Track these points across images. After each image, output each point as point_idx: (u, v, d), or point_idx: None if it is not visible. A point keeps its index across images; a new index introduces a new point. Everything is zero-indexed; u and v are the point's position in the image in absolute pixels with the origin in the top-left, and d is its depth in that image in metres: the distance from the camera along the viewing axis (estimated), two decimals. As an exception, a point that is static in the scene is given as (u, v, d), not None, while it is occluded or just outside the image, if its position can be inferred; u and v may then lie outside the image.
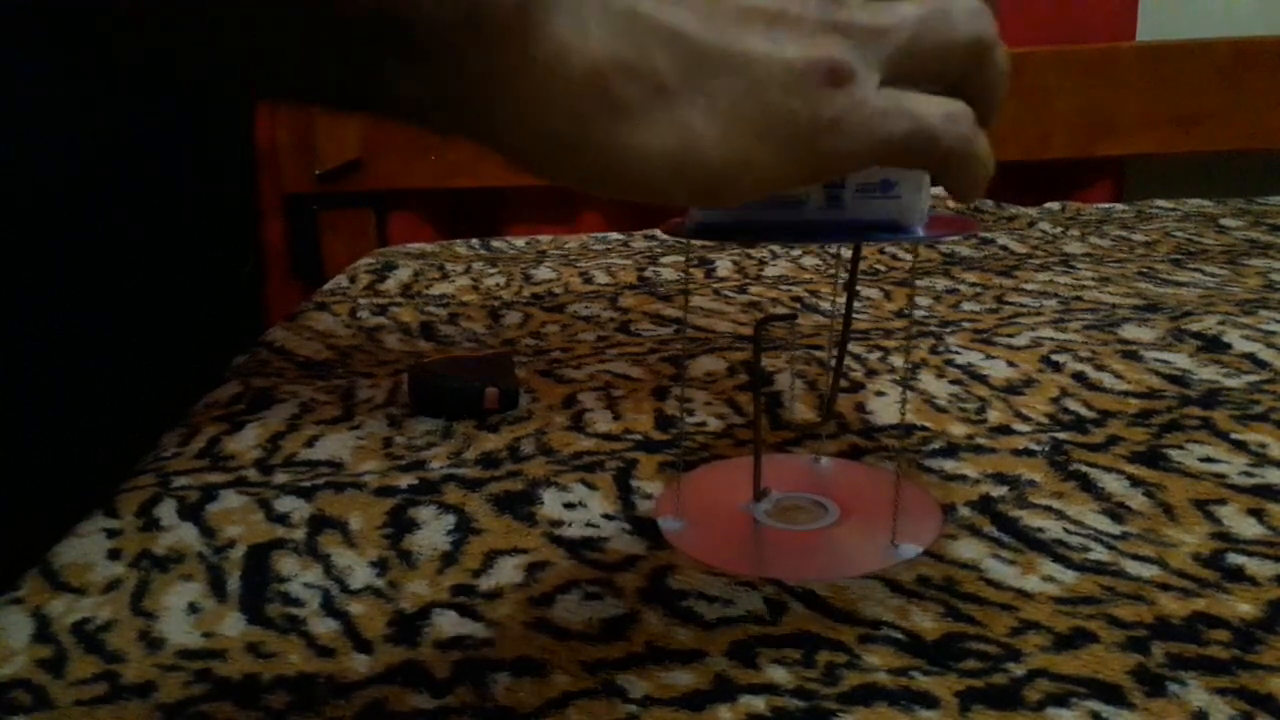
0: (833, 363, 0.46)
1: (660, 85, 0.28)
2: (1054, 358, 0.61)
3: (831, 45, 0.29)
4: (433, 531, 0.44)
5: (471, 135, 0.31)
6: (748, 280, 0.85)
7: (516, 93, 0.28)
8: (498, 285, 0.86)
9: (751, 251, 0.94)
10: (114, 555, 0.43)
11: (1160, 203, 1.12)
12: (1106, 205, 1.14)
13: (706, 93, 0.28)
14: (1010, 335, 0.66)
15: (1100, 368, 0.60)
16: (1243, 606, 0.37)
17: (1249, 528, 0.42)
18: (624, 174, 0.29)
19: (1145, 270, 0.82)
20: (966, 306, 0.74)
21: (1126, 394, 0.56)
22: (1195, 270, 0.82)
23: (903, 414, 0.43)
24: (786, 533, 0.44)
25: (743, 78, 0.28)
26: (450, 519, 0.45)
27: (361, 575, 0.41)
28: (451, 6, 0.26)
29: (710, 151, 0.28)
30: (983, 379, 0.59)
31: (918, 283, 0.81)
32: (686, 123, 0.28)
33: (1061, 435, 0.51)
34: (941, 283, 0.81)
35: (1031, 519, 0.44)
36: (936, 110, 0.30)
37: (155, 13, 0.26)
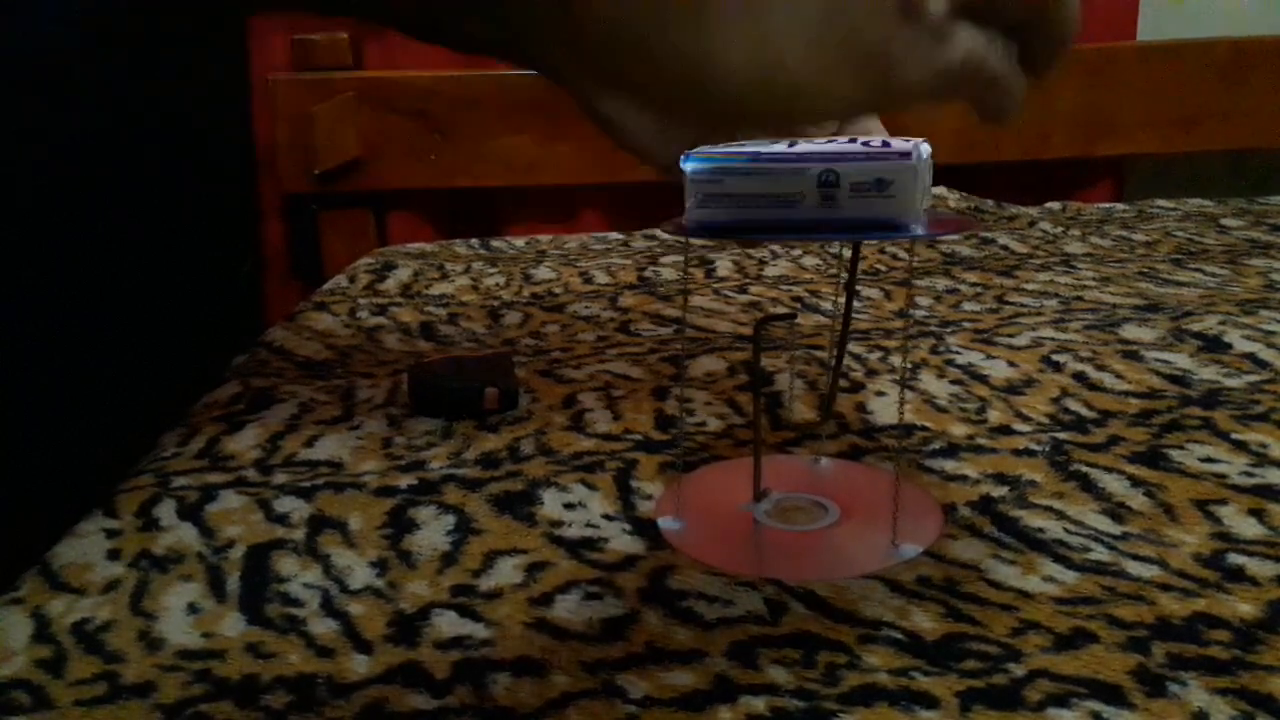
0: (833, 362, 0.46)
1: None
2: (1054, 358, 0.61)
3: None
4: (432, 532, 0.44)
5: (553, 47, 0.30)
6: (748, 280, 0.85)
7: None
8: (497, 285, 0.86)
9: (752, 251, 0.93)
10: (113, 555, 0.43)
11: (1161, 202, 1.12)
12: (1107, 205, 1.14)
13: (794, 9, 0.28)
14: (1011, 335, 0.66)
15: (1101, 368, 0.60)
16: (1243, 607, 0.37)
17: (1250, 528, 0.42)
18: (708, 82, 0.28)
19: (1146, 270, 0.82)
20: (967, 306, 0.74)
21: (1127, 394, 0.56)
22: (1196, 270, 0.82)
23: (900, 415, 0.43)
24: (786, 533, 0.44)
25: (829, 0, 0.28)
26: (450, 519, 0.45)
27: (361, 575, 0.41)
28: None
29: (794, 66, 0.28)
30: (983, 379, 0.59)
31: (918, 282, 0.81)
32: (773, 36, 0.28)
33: (1062, 435, 0.51)
34: (942, 282, 0.81)
35: (1032, 519, 0.44)
36: (980, 44, 0.30)
37: None
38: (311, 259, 1.19)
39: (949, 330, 0.68)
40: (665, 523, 0.44)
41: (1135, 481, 0.46)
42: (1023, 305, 0.73)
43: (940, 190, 1.11)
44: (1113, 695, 0.33)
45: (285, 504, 0.47)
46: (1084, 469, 0.48)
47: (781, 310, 0.75)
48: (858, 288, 0.79)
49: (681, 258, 0.94)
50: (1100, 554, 0.41)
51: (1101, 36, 1.22)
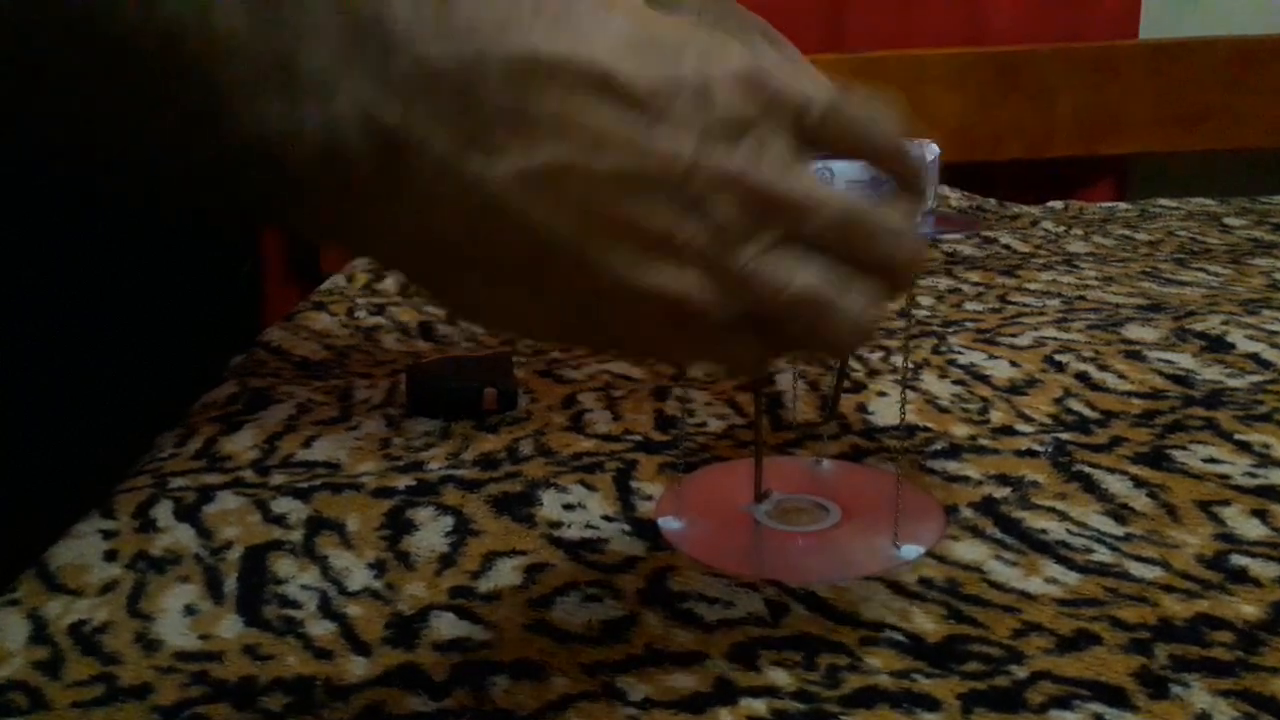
0: (835, 363, 0.46)
1: (502, 272, 0.28)
2: (1057, 358, 0.61)
3: (690, 281, 0.28)
4: (431, 533, 0.44)
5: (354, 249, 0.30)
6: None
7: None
8: (498, 285, 0.86)
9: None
10: (110, 556, 0.43)
11: (1164, 201, 1.12)
12: (1110, 204, 1.14)
13: (545, 287, 0.28)
14: (1013, 335, 0.66)
15: (1103, 368, 0.59)
16: (1246, 608, 0.37)
17: (1253, 529, 0.42)
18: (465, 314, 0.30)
19: (1149, 270, 0.82)
20: (969, 306, 0.74)
21: (1130, 394, 0.56)
22: (1199, 270, 0.82)
23: (902, 416, 0.43)
24: (788, 534, 0.43)
25: (591, 284, 0.28)
26: (448, 520, 0.45)
27: (359, 577, 0.41)
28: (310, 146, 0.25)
29: (535, 329, 0.30)
30: (985, 379, 0.59)
31: (920, 282, 0.80)
32: (515, 307, 0.29)
33: (1064, 436, 0.51)
34: (944, 282, 0.80)
35: (1034, 520, 0.43)
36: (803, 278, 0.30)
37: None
38: (309, 258, 1.19)
39: (951, 330, 0.67)
40: (665, 523, 0.44)
41: (1138, 482, 0.46)
42: (1025, 305, 0.73)
43: (942, 189, 1.11)
44: (1115, 697, 0.33)
45: (283, 505, 0.47)
46: (1087, 470, 0.47)
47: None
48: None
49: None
50: (1103, 555, 0.41)
51: (1104, 35, 1.21)
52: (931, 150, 0.36)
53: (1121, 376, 0.58)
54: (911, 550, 0.41)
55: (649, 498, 0.46)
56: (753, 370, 0.31)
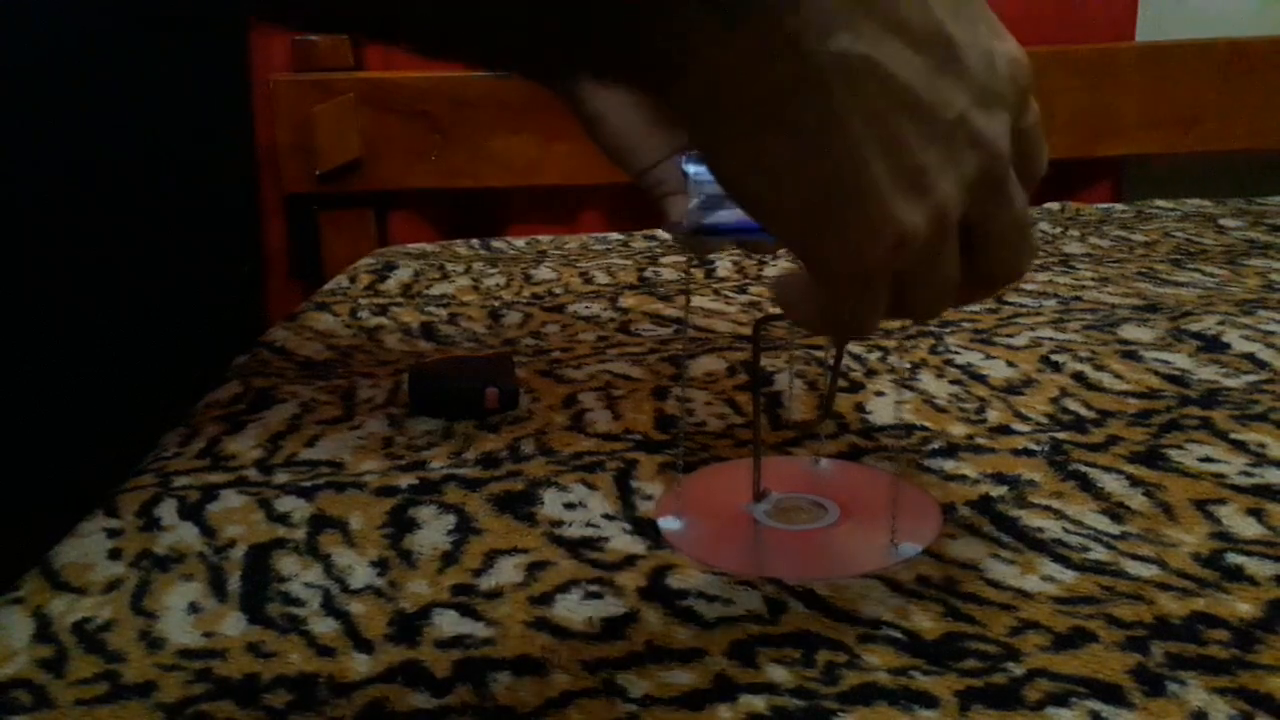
0: (831, 361, 0.46)
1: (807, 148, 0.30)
2: (1053, 358, 0.61)
3: (918, 221, 0.31)
4: (433, 531, 0.44)
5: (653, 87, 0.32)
6: (748, 280, 0.85)
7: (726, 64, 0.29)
8: (498, 285, 0.86)
9: (755, 254, 0.93)
10: (114, 555, 0.43)
11: (1160, 203, 1.12)
12: (1106, 205, 1.14)
13: (810, 165, 0.30)
14: (1010, 335, 0.66)
15: (1100, 368, 0.60)
16: (1242, 606, 0.37)
17: (1248, 527, 0.42)
18: (747, 188, 0.32)
19: (1145, 270, 0.82)
20: (966, 306, 0.74)
21: (1126, 394, 0.56)
22: (1195, 270, 0.82)
23: (897, 415, 0.43)
24: (786, 533, 0.44)
25: (850, 180, 0.30)
26: (450, 519, 0.45)
27: (362, 575, 0.41)
28: None
29: (778, 202, 0.31)
30: (982, 379, 0.59)
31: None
32: (776, 173, 0.31)
33: (1061, 435, 0.51)
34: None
35: (1031, 519, 0.44)
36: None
37: None
38: (312, 259, 1.19)
39: (948, 330, 0.68)
40: (665, 523, 0.44)
41: (1134, 481, 0.46)
42: (1022, 305, 0.73)
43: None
44: (1112, 694, 0.33)
45: (286, 504, 0.47)
46: (1083, 469, 0.48)
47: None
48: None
49: (682, 258, 0.94)
50: (1099, 553, 0.41)
51: (1101, 37, 1.22)
52: None
53: (1118, 376, 0.58)
54: (909, 548, 0.41)
55: (649, 497, 0.47)
56: (869, 328, 0.34)
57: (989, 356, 0.62)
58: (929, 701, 0.33)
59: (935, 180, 0.31)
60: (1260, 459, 0.48)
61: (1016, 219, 0.33)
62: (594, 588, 0.40)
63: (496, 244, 1.05)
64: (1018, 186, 0.33)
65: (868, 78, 0.29)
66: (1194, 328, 0.66)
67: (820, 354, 0.65)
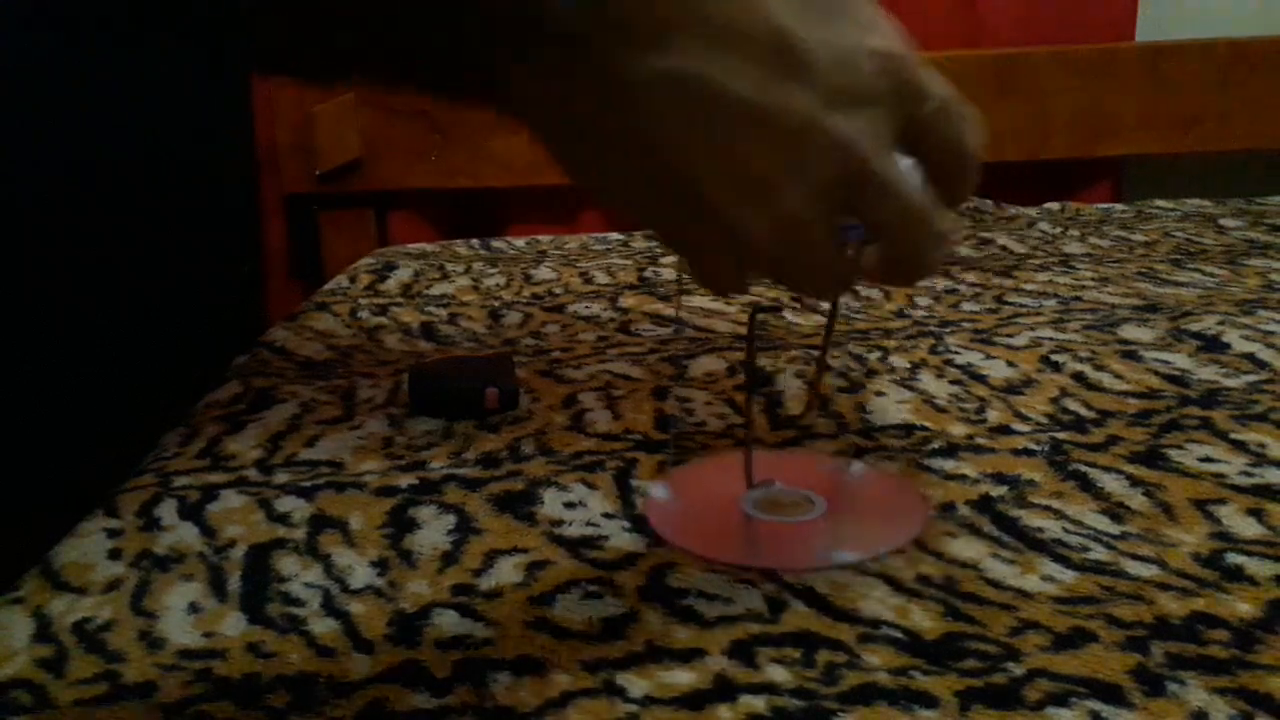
0: (826, 357, 0.46)
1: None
2: (1053, 358, 0.62)
3: (764, 228, 0.31)
4: (433, 531, 0.44)
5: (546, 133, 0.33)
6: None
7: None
8: (498, 285, 0.86)
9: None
10: (114, 555, 0.43)
11: (1160, 203, 1.12)
12: (1106, 205, 1.14)
13: (647, 175, 0.31)
14: (1010, 335, 0.66)
15: (1100, 368, 0.60)
16: (1242, 606, 0.37)
17: (1248, 527, 0.42)
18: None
19: (1145, 270, 0.82)
20: (966, 306, 0.74)
21: (1126, 394, 0.56)
22: (1195, 270, 0.82)
23: (898, 415, 0.43)
24: (760, 521, 0.44)
25: (684, 188, 0.31)
26: (450, 519, 0.45)
27: (362, 575, 0.41)
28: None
29: (634, 205, 0.33)
30: (982, 379, 0.59)
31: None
32: (626, 184, 0.32)
33: (1061, 435, 0.51)
34: (941, 283, 0.81)
35: (1031, 519, 0.44)
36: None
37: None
38: (312, 259, 1.19)
39: (948, 330, 0.68)
40: (655, 489, 0.45)
41: (1134, 481, 0.46)
42: (1022, 305, 0.73)
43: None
44: (1112, 695, 0.33)
45: (286, 504, 0.47)
46: (1083, 469, 0.48)
47: (781, 310, 0.75)
48: (856, 287, 0.79)
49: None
50: (1099, 553, 0.41)
51: (1101, 37, 1.22)
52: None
53: (1118, 376, 0.58)
54: (843, 555, 0.41)
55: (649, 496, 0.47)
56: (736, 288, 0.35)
57: (989, 356, 0.62)
58: (929, 701, 0.33)
59: (780, 189, 0.30)
60: (1260, 459, 0.48)
61: (905, 210, 0.32)
62: (594, 587, 0.40)
63: (496, 244, 1.05)
64: (900, 179, 0.32)
65: (689, 94, 0.29)
66: (1194, 328, 0.66)
67: (819, 353, 0.65)
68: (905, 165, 0.34)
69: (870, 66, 0.30)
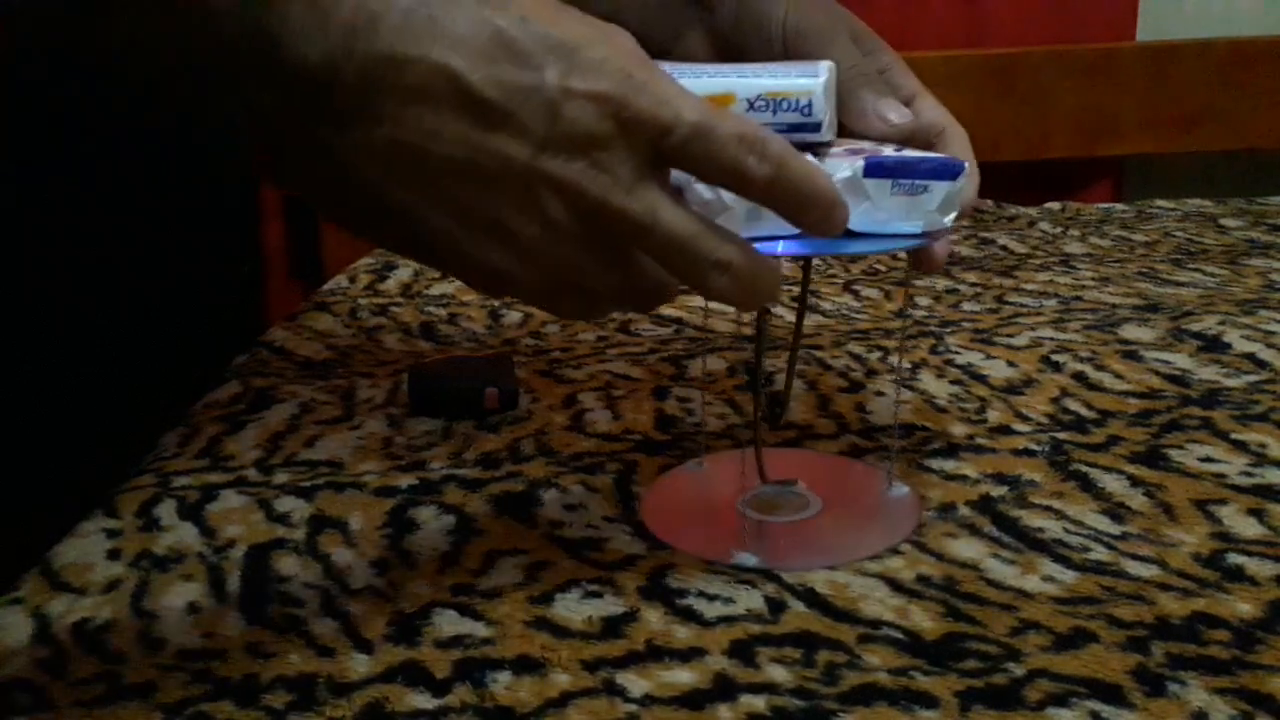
0: (799, 350, 0.47)
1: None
2: (1054, 358, 0.61)
3: (512, 261, 0.33)
4: (432, 532, 0.44)
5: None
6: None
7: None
8: (498, 285, 0.86)
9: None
10: (114, 555, 0.43)
11: (1160, 203, 1.12)
12: (1106, 205, 1.14)
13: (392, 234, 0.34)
14: (1010, 335, 0.66)
15: (1100, 368, 0.60)
16: (1243, 606, 0.37)
17: (1249, 528, 0.42)
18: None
19: (1145, 270, 0.82)
20: (966, 306, 0.74)
21: (1127, 394, 0.56)
22: (1195, 270, 0.82)
23: (895, 415, 0.43)
24: (750, 519, 0.45)
25: (427, 242, 0.33)
26: (450, 520, 0.45)
27: (361, 575, 0.41)
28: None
29: (405, 253, 0.34)
30: (983, 379, 0.59)
31: (917, 282, 0.81)
32: (387, 239, 0.34)
33: (1061, 435, 0.51)
34: (941, 283, 0.81)
35: (1031, 519, 0.44)
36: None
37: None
38: (312, 259, 1.19)
39: (949, 330, 0.68)
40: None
41: (1135, 481, 0.46)
42: (1022, 305, 0.73)
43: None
44: (1112, 695, 0.33)
45: (286, 504, 0.47)
46: (1083, 469, 0.48)
47: (781, 311, 0.75)
48: (855, 287, 0.79)
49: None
50: (1100, 554, 0.41)
51: (1101, 37, 1.22)
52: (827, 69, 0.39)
53: (1118, 376, 0.58)
54: (745, 558, 0.41)
55: (649, 497, 0.47)
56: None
57: (989, 356, 0.62)
58: (929, 702, 0.33)
59: (516, 228, 0.32)
60: (1261, 459, 0.48)
61: (663, 239, 0.33)
62: (594, 587, 0.40)
63: (496, 244, 1.05)
64: (648, 214, 0.32)
65: (404, 161, 0.31)
66: (1194, 328, 0.66)
67: (820, 354, 0.65)
68: (699, 189, 0.36)
69: (578, 112, 0.31)
